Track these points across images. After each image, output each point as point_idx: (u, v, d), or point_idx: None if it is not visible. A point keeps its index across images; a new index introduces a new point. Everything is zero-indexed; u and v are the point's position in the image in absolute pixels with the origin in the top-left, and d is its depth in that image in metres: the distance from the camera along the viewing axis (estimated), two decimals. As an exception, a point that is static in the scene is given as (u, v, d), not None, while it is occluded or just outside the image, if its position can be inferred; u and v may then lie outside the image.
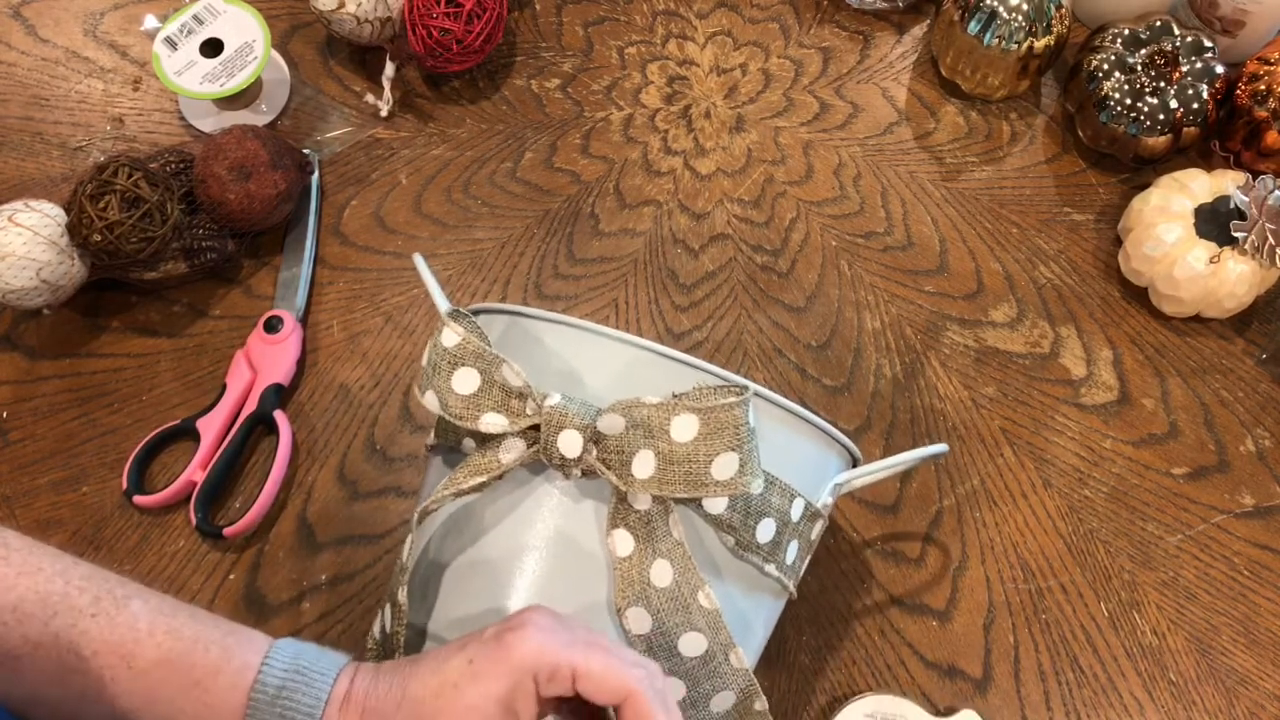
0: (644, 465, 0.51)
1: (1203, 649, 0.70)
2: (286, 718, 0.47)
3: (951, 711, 0.66)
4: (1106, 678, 0.69)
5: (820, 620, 0.69)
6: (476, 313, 0.61)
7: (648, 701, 0.46)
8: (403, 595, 0.54)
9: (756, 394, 0.53)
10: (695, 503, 0.53)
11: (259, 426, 0.74)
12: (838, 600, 0.70)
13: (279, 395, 0.74)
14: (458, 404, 0.54)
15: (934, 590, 0.71)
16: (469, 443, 0.57)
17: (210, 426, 0.72)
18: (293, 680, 0.48)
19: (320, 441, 0.74)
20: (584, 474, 0.53)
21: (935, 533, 0.72)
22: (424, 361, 0.56)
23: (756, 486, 0.51)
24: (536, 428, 0.53)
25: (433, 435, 0.61)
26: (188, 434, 0.73)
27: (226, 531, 0.69)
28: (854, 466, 0.61)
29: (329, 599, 0.69)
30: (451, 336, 0.54)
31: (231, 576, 0.70)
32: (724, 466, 0.50)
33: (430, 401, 0.55)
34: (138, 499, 0.71)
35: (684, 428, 0.51)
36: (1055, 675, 0.69)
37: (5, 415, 0.74)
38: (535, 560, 0.54)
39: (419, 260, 0.61)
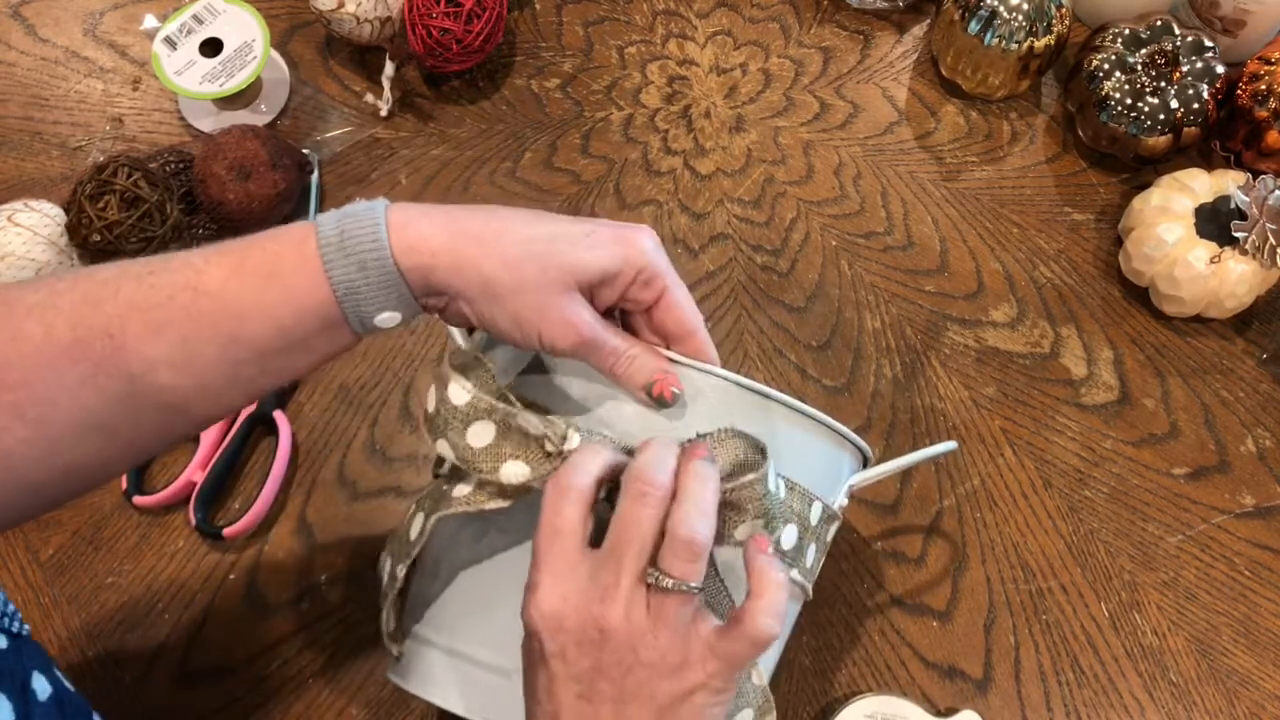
0: None
1: (1203, 649, 0.70)
2: (355, 254, 0.48)
3: (952, 712, 0.66)
4: (1107, 678, 0.69)
5: (820, 621, 0.69)
6: None
7: (705, 342, 0.53)
8: (401, 570, 0.54)
9: (770, 397, 0.53)
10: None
11: (259, 426, 0.74)
12: (838, 601, 0.70)
13: (279, 395, 0.74)
14: (474, 456, 0.51)
15: (934, 590, 0.70)
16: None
17: (210, 426, 0.72)
18: (347, 223, 0.49)
19: (320, 441, 0.74)
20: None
21: (936, 533, 0.72)
22: (430, 408, 0.53)
23: (784, 539, 0.52)
24: None
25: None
26: (187, 434, 0.73)
27: (226, 532, 0.69)
28: (864, 465, 0.61)
29: (329, 599, 0.69)
30: (460, 394, 0.51)
31: (231, 577, 0.70)
32: (745, 530, 0.49)
33: (444, 449, 0.52)
34: (137, 499, 0.71)
35: None
36: (1056, 675, 0.69)
37: (5, 415, 0.74)
38: None
39: None
